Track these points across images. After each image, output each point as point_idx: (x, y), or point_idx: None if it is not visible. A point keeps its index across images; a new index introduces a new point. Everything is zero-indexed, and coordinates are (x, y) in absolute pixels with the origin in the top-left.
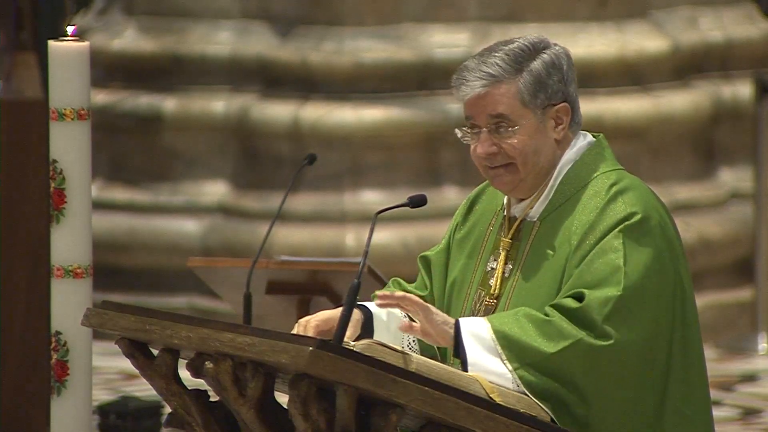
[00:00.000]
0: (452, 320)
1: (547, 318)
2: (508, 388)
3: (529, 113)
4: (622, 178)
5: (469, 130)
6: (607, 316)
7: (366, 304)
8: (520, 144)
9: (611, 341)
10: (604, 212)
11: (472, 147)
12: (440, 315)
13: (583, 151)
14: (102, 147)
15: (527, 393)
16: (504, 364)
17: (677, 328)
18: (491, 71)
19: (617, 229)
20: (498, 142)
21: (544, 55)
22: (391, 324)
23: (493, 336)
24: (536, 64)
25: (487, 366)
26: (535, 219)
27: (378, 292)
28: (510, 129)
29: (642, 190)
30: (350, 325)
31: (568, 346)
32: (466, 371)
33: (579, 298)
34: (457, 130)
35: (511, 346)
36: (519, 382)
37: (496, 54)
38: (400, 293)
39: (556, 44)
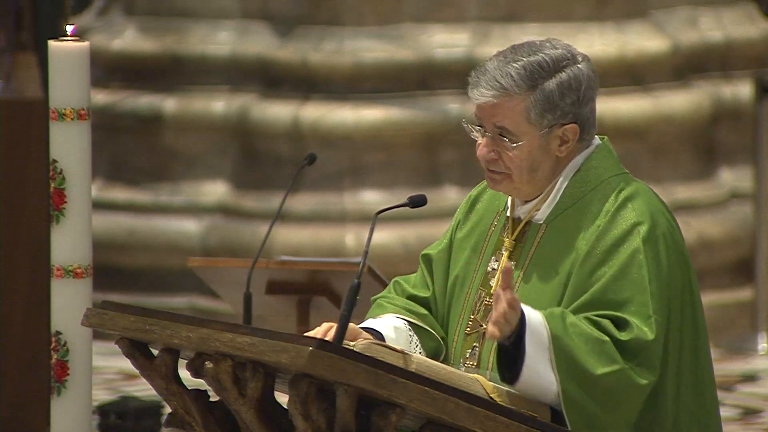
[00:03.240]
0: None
1: (599, 337)
2: (546, 400)
3: (534, 130)
4: (629, 184)
5: (476, 127)
6: (646, 360)
7: (373, 326)
8: (518, 158)
9: (648, 381)
10: (613, 219)
11: (477, 143)
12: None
13: (589, 154)
14: (102, 147)
15: (563, 406)
16: (553, 371)
17: (687, 332)
18: (503, 83)
19: (636, 243)
20: (498, 150)
21: (563, 75)
22: (400, 340)
23: (551, 341)
24: (551, 84)
25: (539, 373)
26: (541, 222)
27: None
28: (511, 143)
29: (649, 196)
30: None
31: (615, 371)
32: (519, 371)
33: (618, 324)
34: (464, 124)
35: (561, 356)
36: (560, 392)
37: (515, 64)
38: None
39: (584, 60)
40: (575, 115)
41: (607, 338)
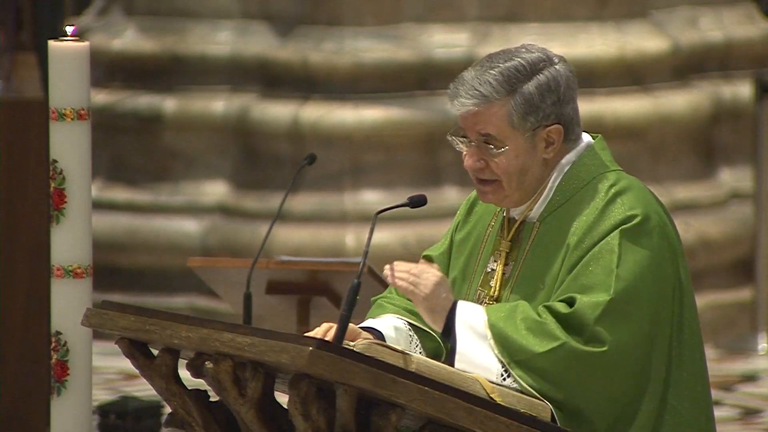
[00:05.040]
0: (450, 302)
1: (539, 319)
2: (491, 380)
3: (518, 134)
4: (621, 179)
5: (460, 139)
6: (597, 321)
7: (373, 326)
8: (505, 164)
9: (604, 347)
10: (603, 213)
11: (463, 154)
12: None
13: (581, 152)
14: (102, 147)
15: (518, 389)
16: (495, 356)
17: (674, 329)
18: (483, 91)
19: (615, 231)
20: (485, 158)
21: (540, 77)
22: (400, 340)
23: (489, 330)
24: (530, 87)
25: (476, 356)
26: (534, 220)
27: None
28: (497, 149)
29: (641, 191)
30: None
31: (555, 347)
32: (453, 356)
33: (570, 302)
34: (448, 137)
35: (503, 342)
36: (514, 375)
37: (492, 71)
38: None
39: (560, 61)
40: (558, 116)
41: (547, 319)
